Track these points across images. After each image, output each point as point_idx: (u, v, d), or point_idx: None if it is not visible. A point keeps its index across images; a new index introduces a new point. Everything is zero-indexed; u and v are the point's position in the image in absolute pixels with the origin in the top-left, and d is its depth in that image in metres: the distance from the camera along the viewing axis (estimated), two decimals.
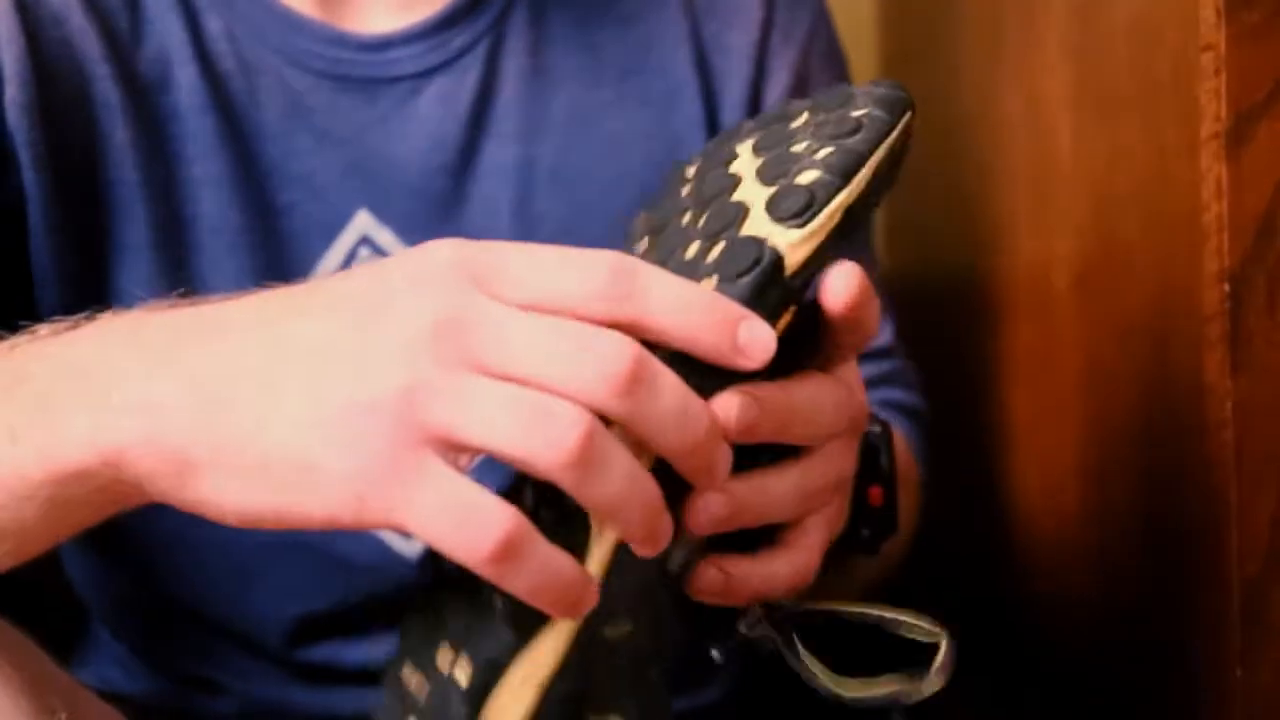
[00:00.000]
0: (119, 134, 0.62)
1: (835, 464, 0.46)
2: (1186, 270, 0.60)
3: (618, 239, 0.66)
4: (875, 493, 0.52)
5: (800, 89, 0.70)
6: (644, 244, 0.47)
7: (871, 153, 0.43)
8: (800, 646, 0.46)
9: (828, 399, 0.44)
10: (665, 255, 0.44)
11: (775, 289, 0.41)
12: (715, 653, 0.47)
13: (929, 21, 0.99)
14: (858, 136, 0.43)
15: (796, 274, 0.42)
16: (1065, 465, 0.74)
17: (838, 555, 0.51)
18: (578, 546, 0.39)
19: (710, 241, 0.43)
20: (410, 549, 0.66)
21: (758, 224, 0.42)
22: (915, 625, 0.47)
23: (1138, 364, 0.66)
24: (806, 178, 0.43)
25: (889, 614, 0.47)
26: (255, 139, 0.64)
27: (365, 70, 0.65)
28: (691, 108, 0.68)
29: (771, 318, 0.41)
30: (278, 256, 0.64)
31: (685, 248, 0.44)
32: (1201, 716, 0.62)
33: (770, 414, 0.42)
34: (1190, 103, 0.58)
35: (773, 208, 0.43)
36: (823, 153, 0.43)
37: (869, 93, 0.45)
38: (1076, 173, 0.72)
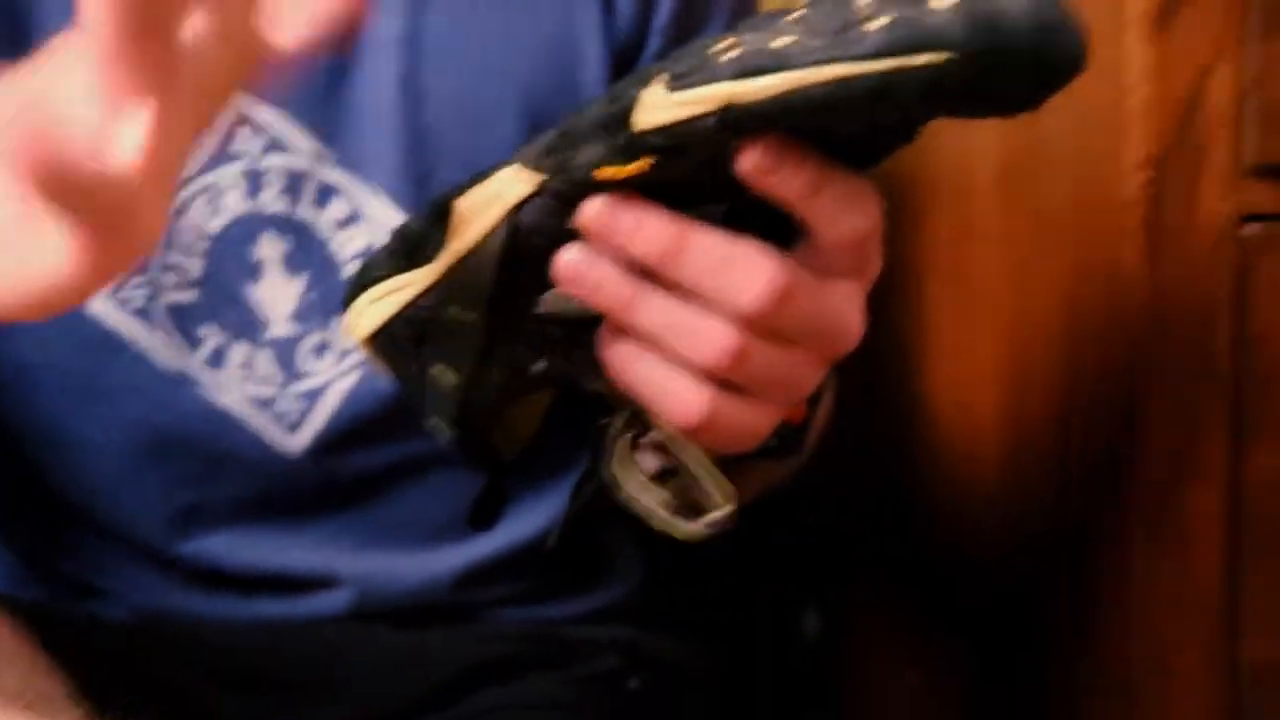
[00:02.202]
0: None
1: (783, 357, 0.44)
2: (1107, 159, 0.59)
3: (507, 112, 0.63)
4: (797, 411, 0.51)
5: None
6: None
7: (800, 66, 0.38)
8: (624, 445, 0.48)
9: (747, 259, 0.42)
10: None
11: (623, 134, 0.42)
12: (538, 366, 0.48)
13: None
14: (813, 44, 0.38)
15: (651, 132, 0.41)
16: (982, 365, 0.73)
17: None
18: (436, 244, 0.46)
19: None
20: (293, 444, 0.64)
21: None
22: (717, 483, 0.47)
23: (1058, 259, 0.65)
24: (722, 52, 0.40)
25: (704, 468, 0.47)
26: None
27: None
28: None
29: (615, 158, 0.42)
30: None
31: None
32: (1103, 615, 0.62)
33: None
34: None
35: (671, 59, 0.41)
36: (779, 40, 0.39)
37: (952, 7, 0.37)
38: None
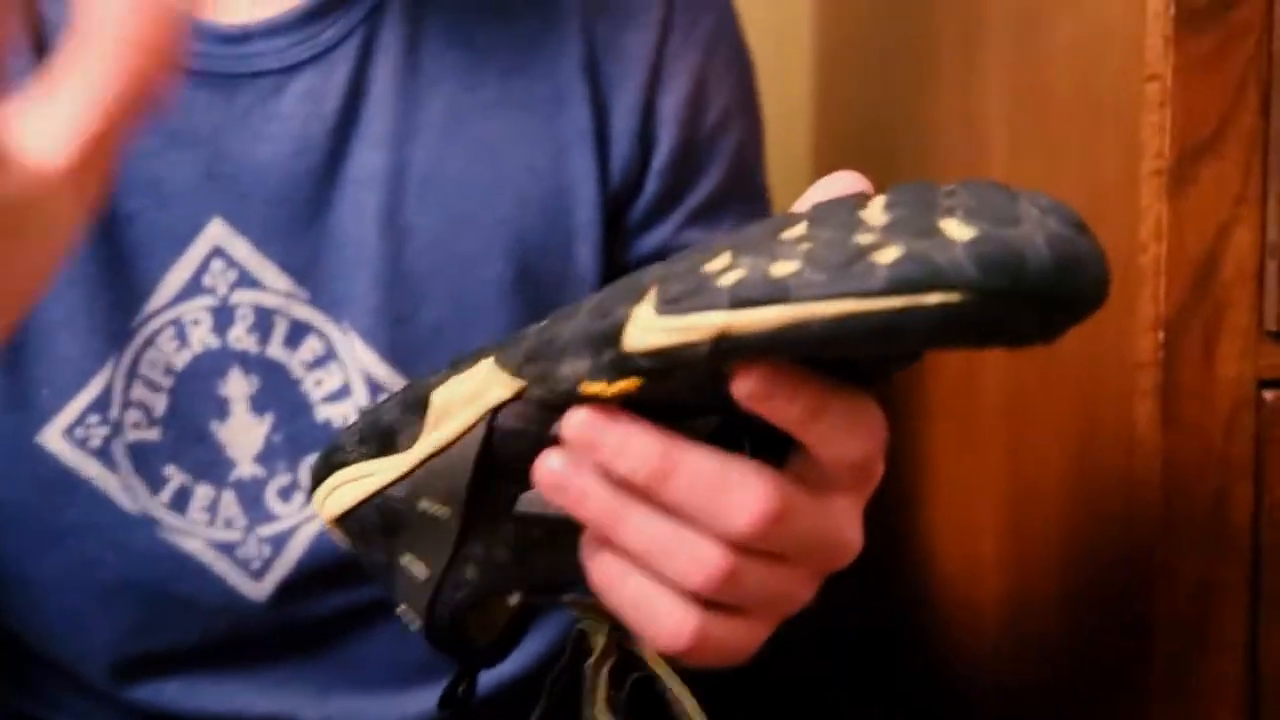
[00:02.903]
0: None
1: (775, 576, 0.41)
2: (1119, 314, 0.56)
3: (494, 253, 0.62)
4: None
5: (699, 97, 0.65)
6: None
7: (802, 299, 0.35)
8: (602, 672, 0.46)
9: (739, 481, 0.39)
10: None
11: (609, 352, 0.39)
12: (515, 596, 0.47)
13: (865, 25, 0.94)
14: (817, 276, 0.35)
15: (640, 354, 0.38)
16: (984, 513, 0.70)
17: None
18: (411, 435, 0.45)
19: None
20: (257, 590, 0.61)
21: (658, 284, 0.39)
22: None
23: (1064, 410, 0.62)
24: (719, 273, 0.37)
25: (689, 705, 0.45)
26: None
27: (223, 64, 0.59)
28: (578, 113, 0.62)
29: (601, 375, 0.39)
30: (120, 267, 0.58)
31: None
32: None
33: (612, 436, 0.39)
34: (1132, 136, 0.54)
35: (666, 279, 0.38)
36: (780, 267, 0.36)
37: (968, 243, 0.34)
38: None
